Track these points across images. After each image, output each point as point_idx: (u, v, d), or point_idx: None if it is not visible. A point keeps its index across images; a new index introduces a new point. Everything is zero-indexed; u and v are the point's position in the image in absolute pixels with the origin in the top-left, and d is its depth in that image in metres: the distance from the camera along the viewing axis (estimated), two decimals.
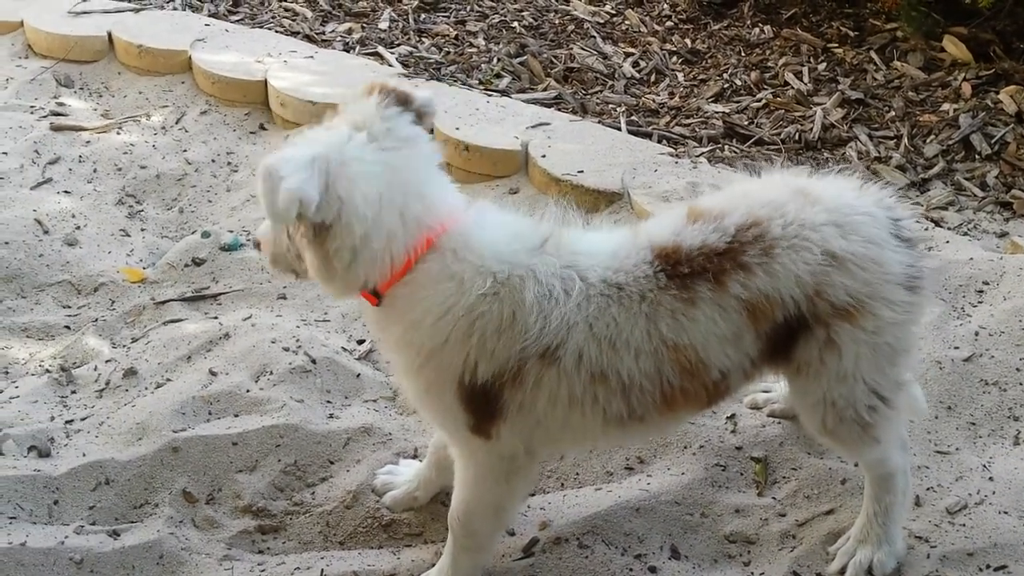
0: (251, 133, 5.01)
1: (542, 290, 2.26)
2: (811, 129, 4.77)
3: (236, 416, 3.24)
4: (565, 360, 2.27)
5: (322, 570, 2.76)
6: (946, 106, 4.85)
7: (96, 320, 3.77)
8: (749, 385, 2.68)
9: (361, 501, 2.97)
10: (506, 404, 2.32)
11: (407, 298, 2.30)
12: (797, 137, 4.74)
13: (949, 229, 4.05)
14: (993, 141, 4.58)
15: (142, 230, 4.32)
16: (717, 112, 4.96)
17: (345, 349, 3.55)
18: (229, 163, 4.77)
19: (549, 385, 2.30)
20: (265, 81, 5.09)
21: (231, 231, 4.20)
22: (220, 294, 3.89)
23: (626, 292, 2.28)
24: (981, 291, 3.59)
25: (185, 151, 4.82)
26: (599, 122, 4.85)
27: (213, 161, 4.77)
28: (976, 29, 5.17)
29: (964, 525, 2.82)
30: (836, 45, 5.48)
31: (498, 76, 5.34)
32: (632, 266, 2.30)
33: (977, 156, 4.55)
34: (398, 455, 3.12)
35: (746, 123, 4.87)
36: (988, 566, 2.71)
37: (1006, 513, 2.84)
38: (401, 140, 2.28)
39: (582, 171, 4.31)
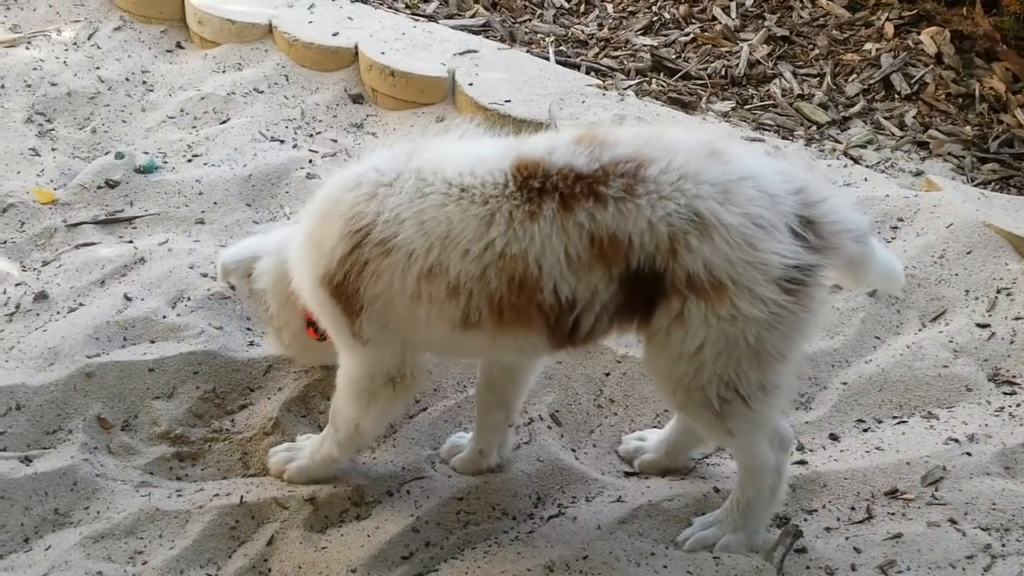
0: (167, 52, 4.84)
1: (380, 178, 2.39)
2: (737, 65, 4.79)
3: (152, 342, 3.17)
4: (397, 253, 2.34)
5: (242, 496, 2.74)
6: (868, 45, 4.90)
7: (5, 242, 3.63)
8: (616, 335, 2.47)
9: (281, 428, 2.95)
10: (361, 294, 2.39)
11: None
12: (723, 72, 4.75)
13: (868, 167, 4.13)
14: (913, 81, 4.66)
15: (53, 150, 4.14)
16: (645, 45, 4.94)
17: None
18: (144, 82, 4.60)
19: (388, 277, 2.36)
20: None
21: (146, 152, 4.06)
22: (135, 217, 3.77)
23: (469, 194, 2.31)
24: (896, 227, 3.67)
25: (98, 68, 4.63)
26: (527, 51, 4.79)
27: (127, 80, 4.59)
28: None
29: None
30: None
31: (425, 0, 5.22)
32: (486, 172, 2.32)
33: (897, 96, 4.63)
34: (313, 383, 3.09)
35: (674, 57, 4.86)
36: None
37: None
38: None
39: (509, 100, 4.26)
